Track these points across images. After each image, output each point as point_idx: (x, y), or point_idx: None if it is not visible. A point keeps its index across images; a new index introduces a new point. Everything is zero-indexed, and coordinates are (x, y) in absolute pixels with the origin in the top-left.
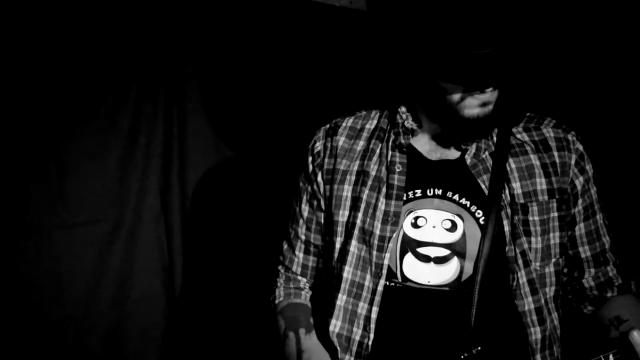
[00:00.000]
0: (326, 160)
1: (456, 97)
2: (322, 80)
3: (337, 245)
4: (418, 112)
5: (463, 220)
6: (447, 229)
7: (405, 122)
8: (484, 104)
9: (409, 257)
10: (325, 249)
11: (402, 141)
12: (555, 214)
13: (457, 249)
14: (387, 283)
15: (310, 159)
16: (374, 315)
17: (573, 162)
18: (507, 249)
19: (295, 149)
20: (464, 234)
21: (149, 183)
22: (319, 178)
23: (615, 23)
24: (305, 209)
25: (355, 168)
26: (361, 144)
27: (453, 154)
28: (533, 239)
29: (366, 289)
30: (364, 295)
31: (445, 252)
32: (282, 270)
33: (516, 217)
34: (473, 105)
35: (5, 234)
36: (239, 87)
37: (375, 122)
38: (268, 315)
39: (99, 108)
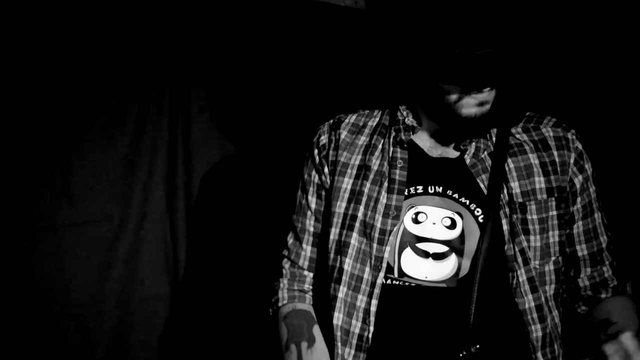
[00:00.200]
0: (331, 152)
1: (454, 96)
2: (324, 79)
3: (332, 236)
4: (418, 110)
5: (462, 218)
6: (446, 226)
7: (406, 120)
8: (481, 104)
9: (407, 252)
10: (321, 239)
11: (403, 137)
12: (554, 213)
13: (455, 246)
14: (384, 280)
15: (316, 151)
16: (373, 308)
17: (572, 160)
18: (506, 247)
19: (298, 146)
20: (462, 232)
21: (154, 181)
22: (326, 169)
23: (614, 21)
24: (313, 201)
25: (357, 162)
26: (363, 139)
27: (453, 152)
28: (532, 238)
29: (365, 281)
30: (363, 288)
31: (443, 248)
32: (287, 267)
33: (515, 216)
34: (470, 105)
35: (11, 233)
36: (244, 86)
37: (377, 119)
38: (270, 318)
39: (104, 107)
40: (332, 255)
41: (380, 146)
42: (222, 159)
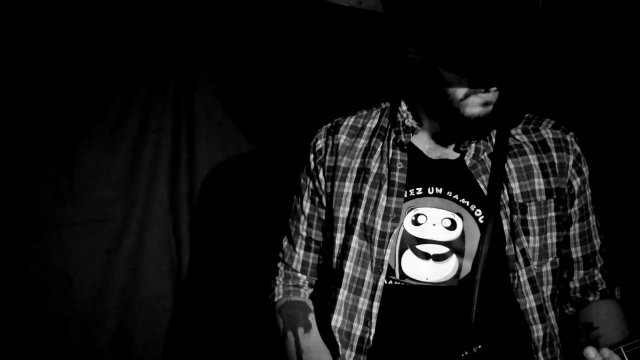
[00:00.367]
0: (327, 157)
1: (460, 94)
2: (328, 78)
3: (337, 242)
4: (418, 110)
5: (462, 219)
6: (447, 227)
7: (406, 121)
8: (486, 104)
9: (408, 254)
10: (326, 245)
11: (403, 139)
12: (553, 214)
13: (455, 247)
14: (386, 282)
15: (312, 156)
16: (375, 311)
17: (571, 163)
18: (506, 247)
19: (298, 147)
20: (463, 233)
21: (157, 181)
22: (321, 175)
23: (616, 28)
24: (306, 206)
25: (357, 166)
26: (362, 142)
27: (453, 154)
28: (531, 238)
29: (366, 284)
30: (364, 291)
31: (444, 249)
32: (282, 268)
33: (515, 217)
34: (475, 104)
35: (15, 233)
36: (245, 87)
37: (376, 121)
38: (267, 313)
39: (108, 107)
40: (336, 260)
41: (379, 149)
42: (225, 160)
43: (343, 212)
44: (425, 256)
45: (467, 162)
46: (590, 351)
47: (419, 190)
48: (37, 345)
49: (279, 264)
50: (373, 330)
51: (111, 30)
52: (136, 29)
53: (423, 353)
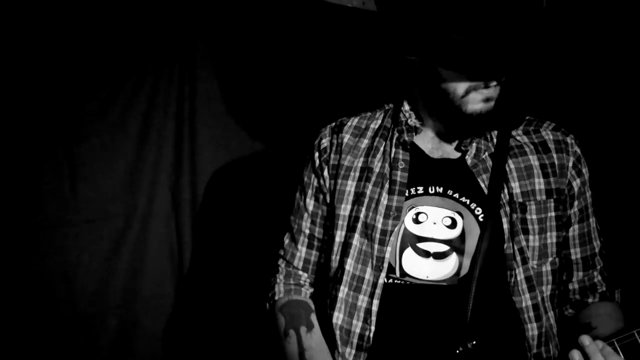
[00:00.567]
0: (332, 155)
1: (461, 91)
2: (331, 78)
3: (338, 239)
4: (421, 110)
5: (463, 218)
6: (447, 226)
7: (409, 120)
8: (487, 100)
9: (408, 252)
10: (327, 243)
11: (406, 139)
12: (553, 214)
13: (456, 245)
14: (386, 280)
15: (317, 154)
16: (374, 308)
17: (571, 164)
18: (505, 246)
19: (300, 146)
20: (463, 231)
21: (159, 180)
22: (326, 173)
23: (617, 30)
24: (310, 203)
25: (360, 165)
26: (365, 142)
27: (454, 153)
28: (531, 237)
29: (367, 282)
30: (364, 289)
31: (444, 248)
32: (283, 265)
33: (515, 216)
34: (477, 101)
35: (17, 230)
36: (249, 86)
37: (379, 121)
38: (267, 312)
39: (110, 106)
40: (337, 257)
41: (382, 148)
42: (228, 159)
43: (345, 209)
44: (426, 254)
45: (468, 162)
46: (585, 339)
47: (420, 189)
48: (40, 345)
49: (280, 261)
50: (373, 328)
51: (113, 26)
52: (139, 24)
53: (422, 351)
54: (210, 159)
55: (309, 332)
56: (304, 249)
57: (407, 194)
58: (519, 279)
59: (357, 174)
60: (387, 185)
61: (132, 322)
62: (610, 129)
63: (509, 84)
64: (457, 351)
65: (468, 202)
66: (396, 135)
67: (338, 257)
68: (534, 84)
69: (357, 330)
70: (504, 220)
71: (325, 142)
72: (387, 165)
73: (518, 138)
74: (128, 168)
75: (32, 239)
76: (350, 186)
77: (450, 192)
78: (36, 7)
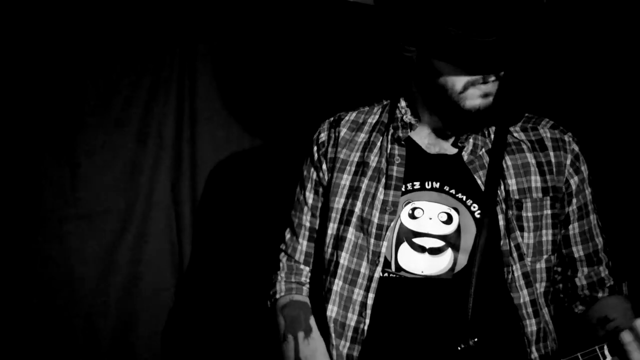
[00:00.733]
0: (329, 149)
1: (459, 87)
2: (330, 74)
3: (330, 231)
4: (418, 106)
5: (459, 214)
6: (443, 221)
7: (404, 117)
8: (485, 95)
9: (404, 246)
10: (320, 234)
11: (400, 134)
12: (549, 212)
13: (451, 241)
14: (382, 274)
15: (315, 148)
16: (369, 302)
17: (569, 162)
18: (502, 242)
19: (300, 141)
20: (459, 227)
21: (159, 173)
22: (324, 166)
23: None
24: (310, 197)
25: (356, 159)
26: (362, 136)
27: (451, 149)
28: (526, 234)
29: (362, 276)
30: (359, 282)
31: (440, 243)
32: (284, 260)
33: (510, 212)
34: (475, 96)
35: (17, 224)
36: (248, 80)
37: (377, 116)
38: (268, 310)
39: (110, 100)
40: (329, 250)
41: (378, 143)
42: (228, 151)
43: (338, 202)
44: (421, 249)
45: (465, 158)
46: (626, 335)
47: (417, 185)
48: (40, 338)
49: (282, 256)
50: (367, 321)
51: (113, 21)
52: (139, 18)
53: (417, 344)
54: (210, 153)
55: (307, 338)
56: (305, 242)
57: (403, 189)
58: (516, 275)
59: (353, 168)
60: (383, 180)
61: (132, 313)
62: (611, 127)
63: (507, 80)
64: (459, 348)
65: (464, 198)
66: (391, 131)
67: (330, 250)
68: (534, 80)
69: (352, 324)
70: (500, 217)
71: (323, 136)
72: (383, 160)
73: (515, 135)
74: (128, 161)
75: (33, 232)
76: (346, 180)
77: (446, 188)
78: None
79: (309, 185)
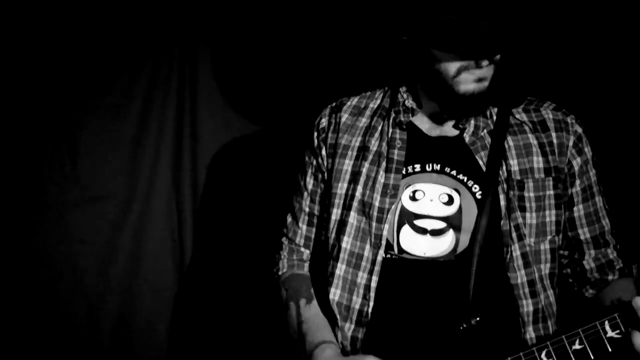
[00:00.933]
0: (330, 135)
1: (452, 71)
2: (333, 59)
3: (334, 217)
4: (418, 92)
5: (460, 195)
6: (444, 203)
7: (406, 102)
8: (479, 80)
9: (406, 229)
10: (323, 220)
11: (402, 119)
12: (552, 192)
13: (453, 222)
14: (385, 255)
15: (315, 134)
16: (373, 284)
17: (571, 143)
18: (502, 222)
19: (302, 127)
20: (460, 208)
21: (160, 159)
22: (324, 152)
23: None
24: (310, 182)
25: (357, 144)
26: (364, 121)
27: (452, 131)
28: (528, 215)
29: (365, 259)
30: (363, 265)
31: (441, 224)
32: (286, 242)
33: (512, 193)
34: (469, 81)
35: (19, 210)
36: (249, 66)
37: (378, 101)
38: (272, 285)
39: (112, 85)
40: (333, 235)
41: (379, 127)
42: (229, 136)
43: (341, 188)
44: (423, 231)
45: (467, 139)
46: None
47: (417, 167)
48: (42, 324)
49: (283, 239)
50: (372, 304)
51: (115, 8)
52: (141, 7)
53: (420, 325)
54: (211, 138)
55: (308, 304)
56: (304, 227)
57: (404, 172)
58: (514, 255)
59: (355, 153)
60: (384, 164)
61: (132, 299)
62: (615, 111)
63: (505, 64)
64: (461, 327)
65: (465, 180)
66: (393, 115)
67: (334, 235)
68: (535, 64)
69: (357, 307)
70: (501, 197)
71: (324, 122)
72: (384, 144)
73: (517, 116)
74: (129, 147)
75: (35, 218)
76: (348, 165)
77: (447, 170)
78: None
79: (309, 171)
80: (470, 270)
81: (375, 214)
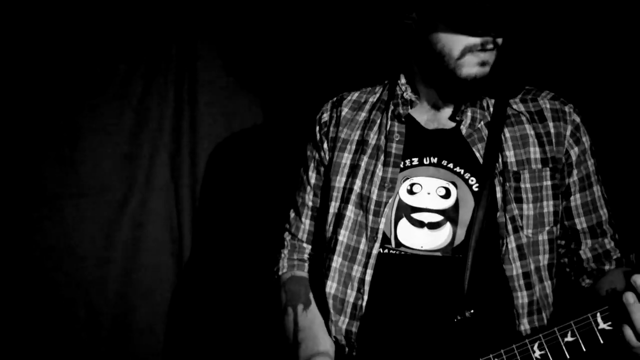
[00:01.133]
0: (331, 129)
1: (456, 52)
2: (334, 53)
3: (332, 210)
4: (417, 82)
5: (457, 188)
6: (441, 196)
7: (404, 94)
8: (482, 64)
9: (403, 222)
10: (321, 213)
11: (401, 111)
12: (549, 183)
13: (450, 215)
14: (381, 250)
15: (317, 128)
16: (368, 278)
17: (568, 133)
18: (498, 214)
19: (302, 121)
20: (457, 201)
21: (159, 152)
22: (325, 146)
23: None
24: (312, 176)
25: (356, 138)
26: (363, 115)
27: (449, 123)
28: (525, 206)
29: (361, 252)
30: (358, 259)
31: (438, 217)
32: (288, 238)
33: (507, 184)
34: (472, 64)
35: (18, 201)
36: (250, 60)
37: (377, 95)
38: (271, 285)
39: (111, 78)
40: (330, 228)
41: (378, 121)
42: (228, 130)
43: (339, 181)
44: (420, 224)
45: (463, 131)
46: (630, 296)
47: (415, 161)
48: (40, 317)
49: (286, 235)
50: (366, 297)
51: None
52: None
53: (414, 318)
54: (210, 129)
55: (305, 310)
56: (307, 222)
57: (401, 166)
58: (510, 247)
59: (354, 147)
60: (382, 157)
61: (130, 291)
62: (616, 100)
63: (506, 51)
64: (456, 320)
65: (462, 172)
66: (392, 108)
67: (331, 228)
68: (534, 53)
69: (351, 300)
70: (498, 189)
71: (325, 116)
72: (382, 137)
73: (515, 106)
74: (128, 140)
75: (34, 210)
76: (346, 159)
77: (444, 163)
78: None
79: (311, 165)
80: (466, 263)
81: (372, 207)
